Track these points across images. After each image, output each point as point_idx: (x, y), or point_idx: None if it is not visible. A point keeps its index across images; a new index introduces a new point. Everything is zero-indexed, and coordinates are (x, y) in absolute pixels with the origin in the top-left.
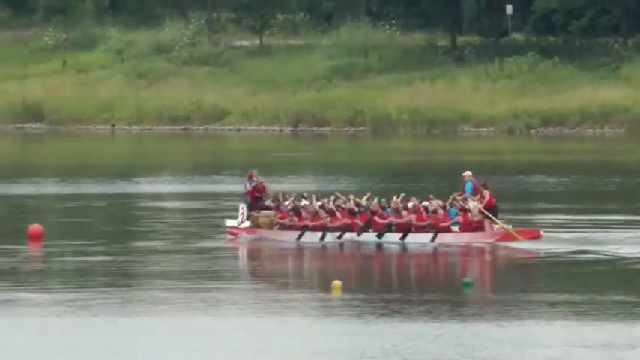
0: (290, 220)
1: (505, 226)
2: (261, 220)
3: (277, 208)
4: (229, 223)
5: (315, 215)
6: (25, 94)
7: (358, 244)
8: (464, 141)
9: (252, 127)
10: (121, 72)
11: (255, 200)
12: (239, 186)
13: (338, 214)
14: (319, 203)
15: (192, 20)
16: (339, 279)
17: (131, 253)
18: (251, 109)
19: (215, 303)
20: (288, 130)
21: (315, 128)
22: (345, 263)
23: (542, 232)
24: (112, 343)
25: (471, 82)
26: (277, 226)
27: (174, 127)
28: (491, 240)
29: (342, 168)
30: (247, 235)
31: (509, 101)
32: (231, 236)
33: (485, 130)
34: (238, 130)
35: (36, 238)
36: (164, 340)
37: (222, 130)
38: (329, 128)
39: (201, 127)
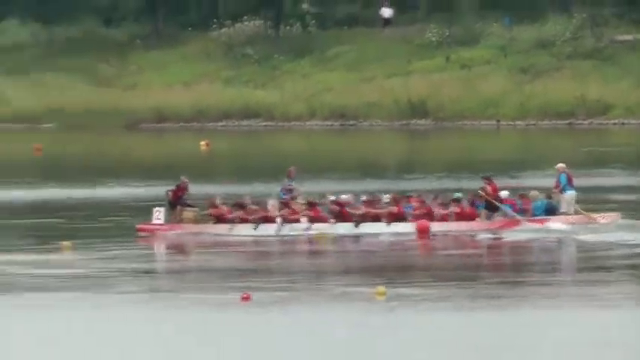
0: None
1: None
2: (184, 215)
3: (212, 206)
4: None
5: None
6: (410, 90)
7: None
8: None
9: (637, 121)
10: (505, 67)
11: (178, 198)
12: (622, 179)
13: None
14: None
15: (575, 15)
16: None
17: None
18: (635, 103)
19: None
20: None
21: None
22: None
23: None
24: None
25: None
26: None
27: (558, 122)
28: (488, 228)
29: None
30: (173, 231)
31: None
32: (146, 233)
33: None
34: (622, 124)
35: (424, 232)
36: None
37: (607, 124)
38: None
39: (585, 122)
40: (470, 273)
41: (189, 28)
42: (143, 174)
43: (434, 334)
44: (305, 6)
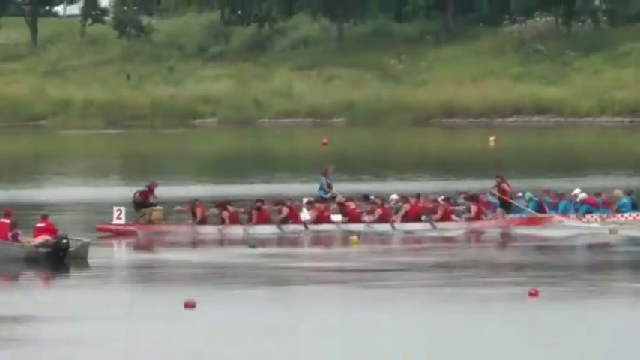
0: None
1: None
2: (154, 216)
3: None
4: None
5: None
6: None
7: None
8: None
9: None
10: None
11: (146, 199)
12: None
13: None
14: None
15: None
16: None
17: None
18: None
19: None
20: None
21: None
22: None
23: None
24: None
25: None
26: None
27: None
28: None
29: None
30: (143, 232)
31: None
32: (108, 233)
33: None
34: None
35: None
36: None
37: None
38: None
39: None
40: None
41: (480, 24)
42: (431, 169)
43: None
44: (597, 2)
